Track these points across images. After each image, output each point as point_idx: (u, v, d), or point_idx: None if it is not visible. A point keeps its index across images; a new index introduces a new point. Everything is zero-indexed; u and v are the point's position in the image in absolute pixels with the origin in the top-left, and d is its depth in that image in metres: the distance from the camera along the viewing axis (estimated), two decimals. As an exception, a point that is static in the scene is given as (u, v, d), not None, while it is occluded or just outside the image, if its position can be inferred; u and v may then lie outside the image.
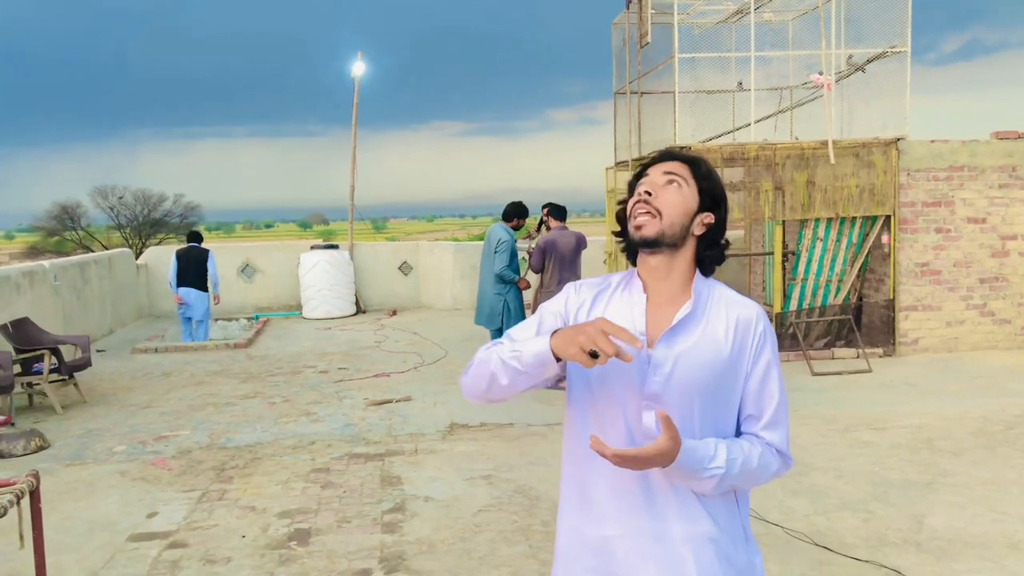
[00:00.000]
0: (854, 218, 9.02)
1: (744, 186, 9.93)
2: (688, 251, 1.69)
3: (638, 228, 1.66)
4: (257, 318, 13.14)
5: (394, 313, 13.61)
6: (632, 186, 1.76)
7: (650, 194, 1.66)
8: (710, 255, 1.71)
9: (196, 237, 11.03)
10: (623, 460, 1.53)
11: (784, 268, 9.35)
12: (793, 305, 9.19)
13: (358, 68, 14.66)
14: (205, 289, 10.69)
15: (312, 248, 13.76)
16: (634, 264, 1.76)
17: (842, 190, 8.91)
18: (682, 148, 8.92)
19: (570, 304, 1.76)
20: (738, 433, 1.72)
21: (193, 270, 10.60)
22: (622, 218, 1.75)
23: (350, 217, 14.89)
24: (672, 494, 1.65)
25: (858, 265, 9.14)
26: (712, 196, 1.70)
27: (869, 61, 9.48)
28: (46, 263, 10.36)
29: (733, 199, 9.98)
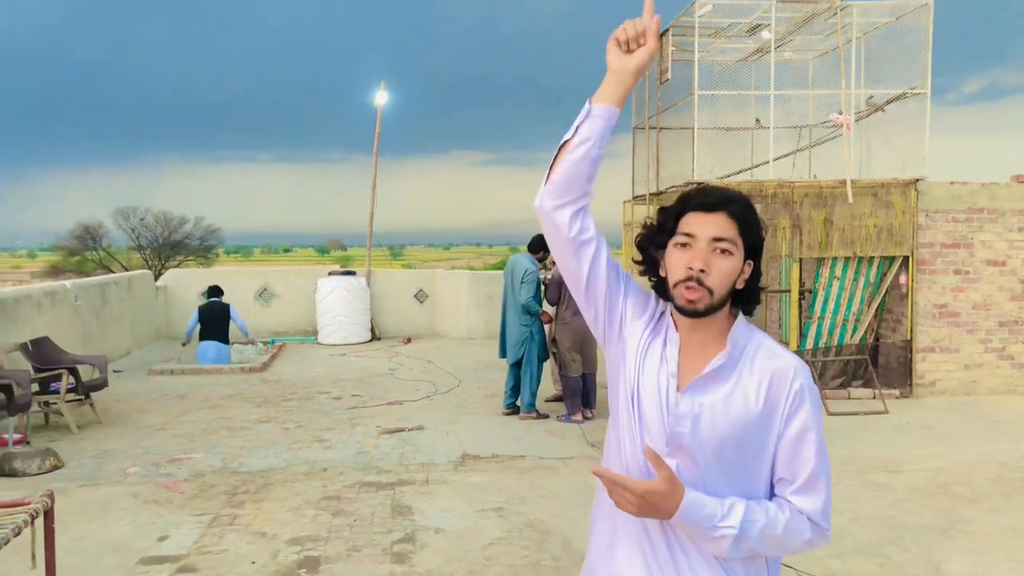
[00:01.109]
0: (872, 257, 8.99)
1: (761, 223, 9.93)
2: (725, 307, 1.63)
3: (690, 302, 1.58)
4: (273, 342, 13.21)
5: (408, 341, 13.64)
6: (663, 222, 1.67)
7: (704, 271, 1.57)
8: (749, 299, 1.65)
9: (216, 291, 11.35)
10: (609, 483, 1.52)
11: (801, 306, 9.32)
12: (809, 344, 9.14)
13: (381, 97, 14.86)
14: (226, 342, 11.00)
15: (330, 274, 13.85)
16: (661, 296, 1.70)
17: (860, 229, 8.90)
18: (699, 184, 8.95)
19: (640, 314, 1.71)
20: (772, 496, 1.63)
21: (216, 324, 10.95)
22: (644, 247, 1.70)
23: (368, 244, 15.00)
24: (695, 551, 1.58)
25: (875, 305, 9.09)
26: (756, 248, 1.64)
27: (889, 102, 9.51)
28: (68, 283, 10.49)
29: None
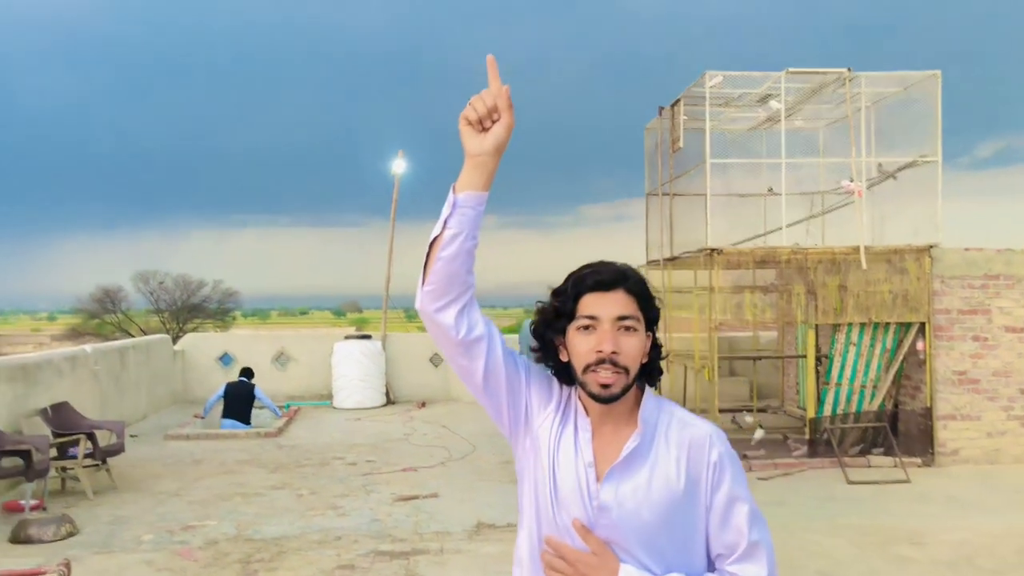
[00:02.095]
0: (888, 324, 8.96)
1: (776, 288, 9.96)
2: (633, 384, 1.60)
3: (606, 387, 1.54)
4: (288, 407, 13.22)
5: (423, 405, 13.61)
6: (560, 306, 1.61)
7: (616, 353, 1.54)
8: (652, 371, 1.63)
9: (247, 373, 11.68)
10: (553, 547, 1.55)
11: (817, 372, 9.27)
12: (827, 410, 9.05)
13: (399, 166, 15.15)
14: (247, 422, 11.13)
15: (346, 338, 13.94)
16: (562, 381, 1.66)
17: (875, 295, 8.90)
18: (712, 251, 9.03)
19: (546, 402, 1.64)
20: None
21: (238, 404, 11.16)
22: (541, 334, 1.64)
23: (384, 308, 15.11)
24: None
25: (893, 371, 9.03)
26: (655, 319, 1.62)
27: (900, 169, 9.61)
28: (88, 348, 10.62)
29: (765, 300, 10.01)
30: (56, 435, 7.66)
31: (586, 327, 1.56)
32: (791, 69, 9.33)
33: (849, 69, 9.27)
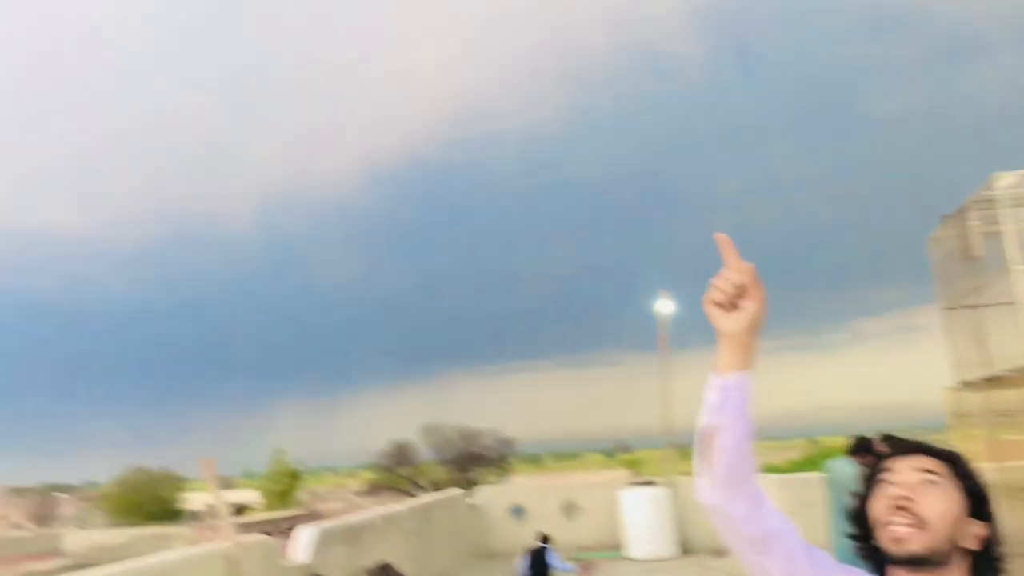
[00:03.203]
0: None
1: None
2: (956, 573, 1.40)
3: (898, 541, 1.39)
4: (580, 558, 13.21)
5: (721, 554, 12.94)
6: (871, 478, 1.53)
7: (909, 499, 1.41)
8: (986, 567, 1.42)
9: (545, 539, 12.02)
10: None
11: None
12: None
13: (663, 305, 15.31)
14: None
15: (631, 485, 13.87)
16: (874, 569, 1.49)
17: None
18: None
19: None
20: None
21: (539, 569, 11.35)
22: (859, 516, 1.52)
23: (663, 452, 14.91)
24: None
25: None
26: (980, 499, 1.45)
27: None
28: (403, 507, 11.51)
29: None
30: (383, 595, 8.26)
31: (885, 481, 1.48)
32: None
33: None
